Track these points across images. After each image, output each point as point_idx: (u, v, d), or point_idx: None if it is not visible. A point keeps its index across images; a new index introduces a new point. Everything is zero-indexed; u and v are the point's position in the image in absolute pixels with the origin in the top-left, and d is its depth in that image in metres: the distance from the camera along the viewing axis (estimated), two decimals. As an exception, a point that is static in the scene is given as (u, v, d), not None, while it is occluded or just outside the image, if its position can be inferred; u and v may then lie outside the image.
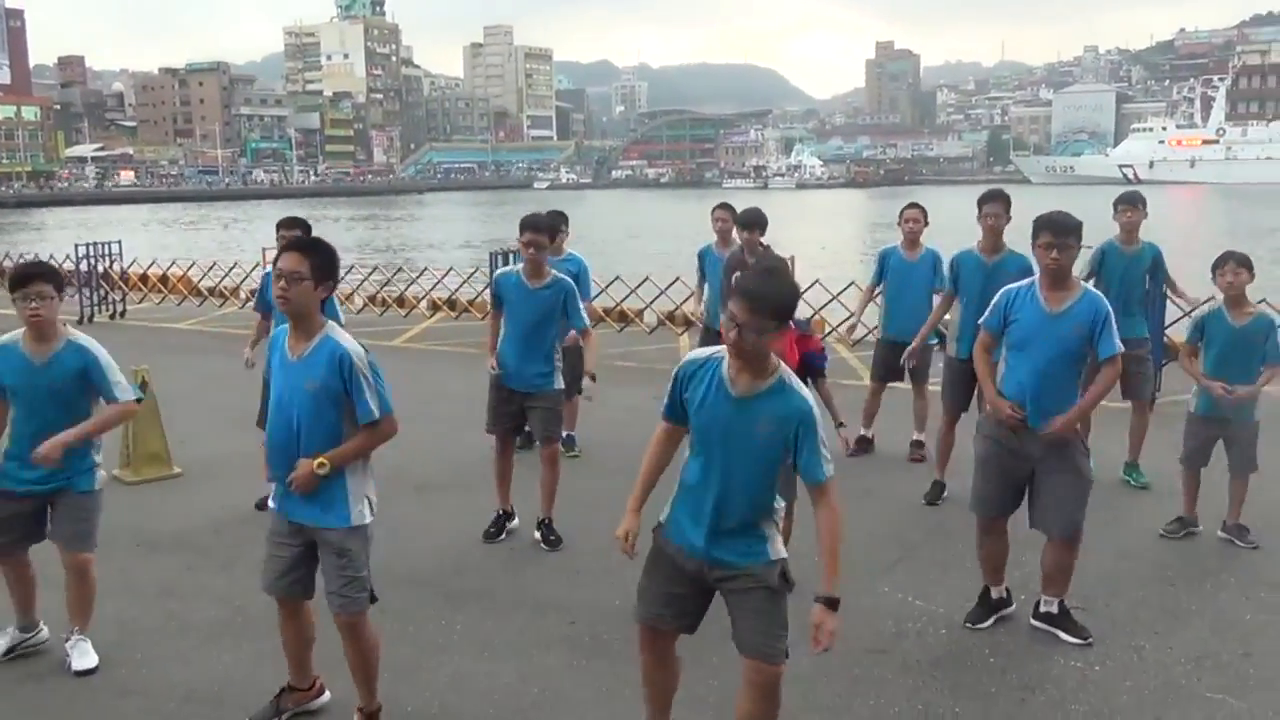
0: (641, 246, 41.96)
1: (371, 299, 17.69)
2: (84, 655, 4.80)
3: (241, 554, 6.12)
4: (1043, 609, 5.08)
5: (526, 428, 6.78)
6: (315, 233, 5.47)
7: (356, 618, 4.06)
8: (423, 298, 17.45)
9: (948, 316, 7.46)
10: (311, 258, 3.92)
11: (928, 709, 4.41)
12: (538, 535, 6.40)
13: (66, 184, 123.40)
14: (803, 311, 14.66)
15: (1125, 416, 7.56)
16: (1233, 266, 6.07)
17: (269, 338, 4.24)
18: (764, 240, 8.20)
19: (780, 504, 3.65)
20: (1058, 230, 4.82)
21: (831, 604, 3.47)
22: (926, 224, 8.03)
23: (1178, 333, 7.74)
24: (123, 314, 17.24)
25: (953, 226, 7.18)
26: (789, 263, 12.32)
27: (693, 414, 3.53)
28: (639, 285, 15.13)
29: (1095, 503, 5.09)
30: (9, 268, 4.67)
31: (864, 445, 8.32)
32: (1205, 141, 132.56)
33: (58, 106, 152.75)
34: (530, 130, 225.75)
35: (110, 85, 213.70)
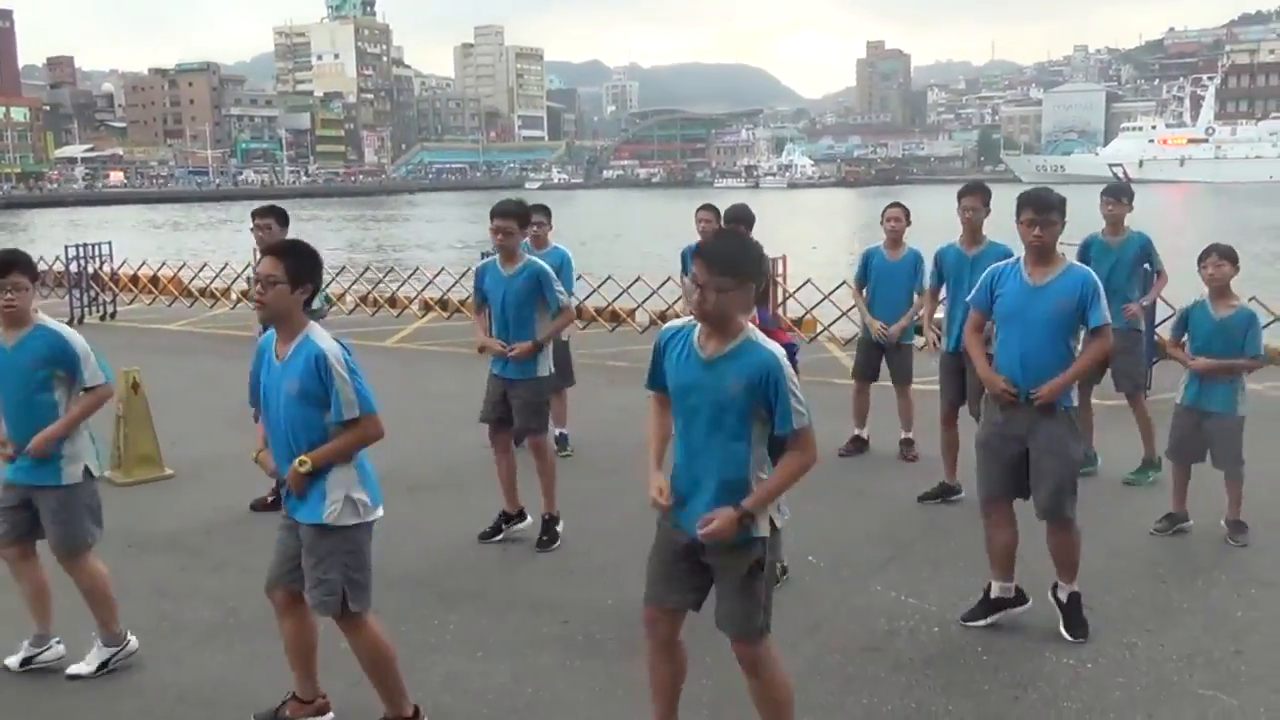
0: (633, 246, 41.94)
1: (363, 299, 17.67)
2: (83, 661, 4.77)
3: (234, 555, 6.12)
4: (1057, 593, 5.10)
5: None
6: (305, 233, 5.47)
7: (348, 617, 4.04)
8: (415, 298, 17.43)
9: (938, 315, 7.50)
10: (286, 261, 3.93)
11: (920, 707, 4.42)
12: (545, 538, 6.37)
13: (56, 185, 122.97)
14: (794, 311, 14.71)
15: (1122, 414, 7.57)
16: (1215, 259, 6.16)
17: (258, 340, 4.24)
18: (752, 239, 8.20)
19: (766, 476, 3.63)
20: (1039, 207, 4.88)
21: (738, 511, 3.46)
22: (909, 223, 8.05)
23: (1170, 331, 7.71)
24: (113, 315, 17.18)
25: (944, 225, 7.19)
26: (780, 262, 12.43)
27: (669, 380, 3.63)
28: (631, 285, 15.13)
29: (1087, 500, 5.12)
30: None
31: (858, 445, 8.33)
32: (1194, 140, 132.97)
33: (47, 107, 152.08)
34: (521, 130, 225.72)
35: (100, 86, 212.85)
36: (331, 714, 4.36)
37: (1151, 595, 5.52)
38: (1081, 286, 4.88)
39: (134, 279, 19.30)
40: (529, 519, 6.50)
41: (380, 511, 4.11)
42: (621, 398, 9.14)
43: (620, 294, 15.28)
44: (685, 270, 8.94)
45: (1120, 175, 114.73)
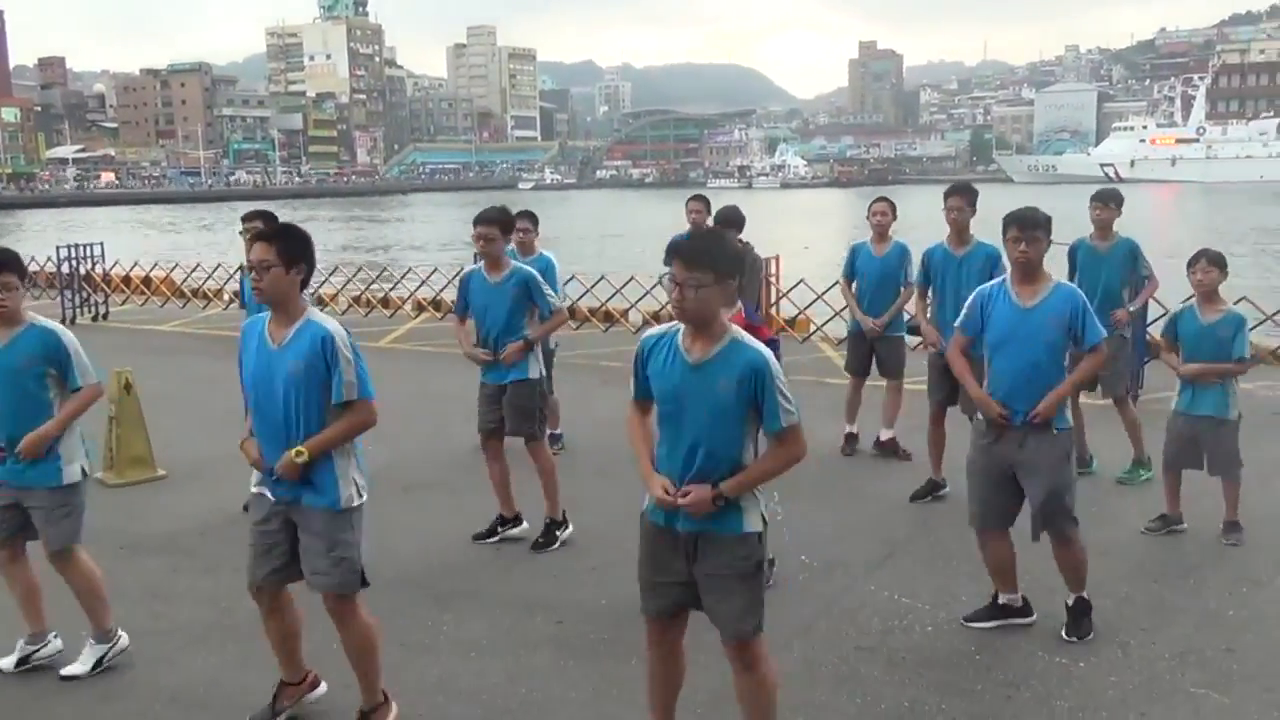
0: (626, 246, 41.95)
1: (356, 300, 17.65)
2: (80, 660, 4.77)
3: (227, 556, 6.10)
4: (1069, 602, 5.10)
5: None
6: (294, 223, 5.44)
7: (345, 602, 4.07)
8: (408, 299, 17.41)
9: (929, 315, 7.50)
10: (277, 243, 3.96)
11: (914, 706, 4.42)
12: (541, 540, 6.37)
13: (47, 186, 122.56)
14: (788, 311, 14.71)
15: (1112, 414, 7.60)
16: (1204, 265, 6.21)
17: (244, 323, 4.24)
18: (743, 239, 8.21)
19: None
20: (1025, 224, 4.89)
21: (714, 491, 3.48)
22: (895, 218, 8.07)
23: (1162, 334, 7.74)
24: (105, 316, 17.14)
25: (937, 225, 7.20)
26: (772, 263, 12.45)
27: (654, 386, 3.61)
28: (624, 285, 15.12)
29: (1080, 501, 5.12)
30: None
31: (852, 442, 8.34)
32: (1186, 140, 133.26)
33: (38, 108, 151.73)
34: (514, 130, 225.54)
35: (91, 86, 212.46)
36: (324, 684, 4.41)
37: (1144, 594, 5.54)
38: (1073, 304, 4.88)
39: (126, 280, 19.25)
40: (525, 524, 6.49)
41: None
42: (614, 398, 9.11)
43: (613, 294, 15.28)
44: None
45: (1112, 175, 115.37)
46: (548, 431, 8.40)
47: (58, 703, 4.57)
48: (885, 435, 8.18)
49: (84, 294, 17.22)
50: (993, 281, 5.22)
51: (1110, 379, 7.36)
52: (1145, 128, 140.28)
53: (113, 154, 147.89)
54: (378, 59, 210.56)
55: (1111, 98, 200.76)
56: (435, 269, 17.90)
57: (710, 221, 8.30)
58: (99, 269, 17.66)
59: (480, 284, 6.31)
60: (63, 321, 15.56)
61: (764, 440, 3.61)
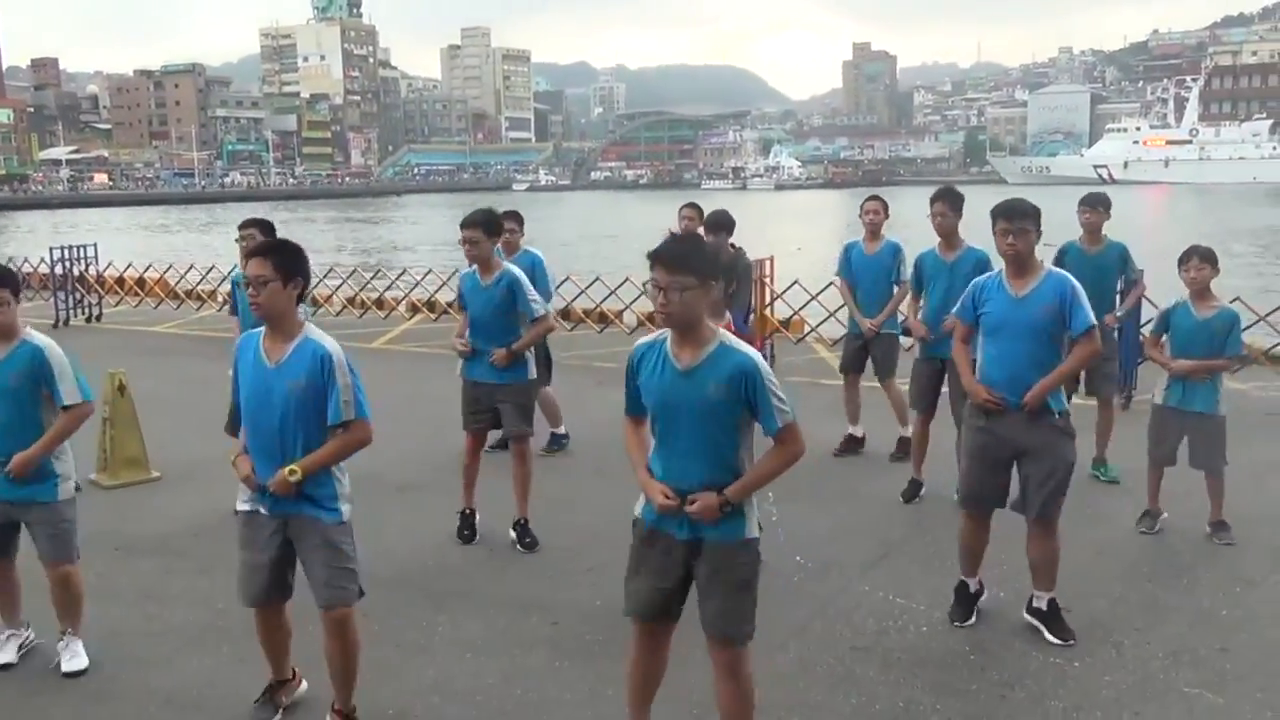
0: (621, 247, 41.93)
1: (350, 301, 17.62)
2: (74, 657, 4.79)
3: (221, 557, 6.07)
4: (1034, 604, 5.11)
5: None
6: (292, 235, 5.46)
7: (346, 611, 4.08)
8: (402, 300, 17.39)
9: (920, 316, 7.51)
10: (274, 258, 3.94)
11: (909, 706, 4.43)
12: (514, 536, 6.39)
13: (41, 187, 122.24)
14: (782, 312, 14.70)
15: (1090, 413, 7.63)
16: (1196, 262, 6.23)
17: (236, 342, 4.23)
18: (735, 244, 8.22)
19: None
20: (1012, 216, 4.92)
21: (720, 499, 3.49)
22: (887, 216, 8.09)
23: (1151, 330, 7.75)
24: (99, 317, 17.10)
25: (930, 226, 7.21)
26: (767, 264, 12.43)
27: (646, 395, 3.62)
28: (619, 286, 15.13)
29: (1074, 500, 5.13)
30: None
31: (851, 444, 8.33)
32: (1173, 142, 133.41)
33: (31, 109, 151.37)
34: (508, 132, 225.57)
35: (85, 87, 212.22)
36: (305, 682, 4.46)
37: (1138, 594, 5.55)
38: (1062, 292, 4.90)
39: (120, 281, 19.21)
40: (477, 514, 6.55)
41: None
42: (610, 399, 9.09)
43: (608, 295, 15.28)
44: None
45: (1105, 176, 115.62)
46: (551, 432, 8.46)
47: (51, 703, 4.56)
48: (904, 433, 8.13)
49: (77, 295, 17.17)
50: (988, 274, 5.27)
51: (1098, 379, 7.38)
52: (1139, 129, 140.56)
53: (106, 155, 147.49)
54: (372, 60, 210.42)
55: (1105, 99, 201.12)
56: (430, 270, 17.90)
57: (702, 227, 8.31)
58: (92, 270, 17.61)
59: (473, 286, 6.33)
60: (56, 323, 15.68)
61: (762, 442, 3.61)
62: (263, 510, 4.06)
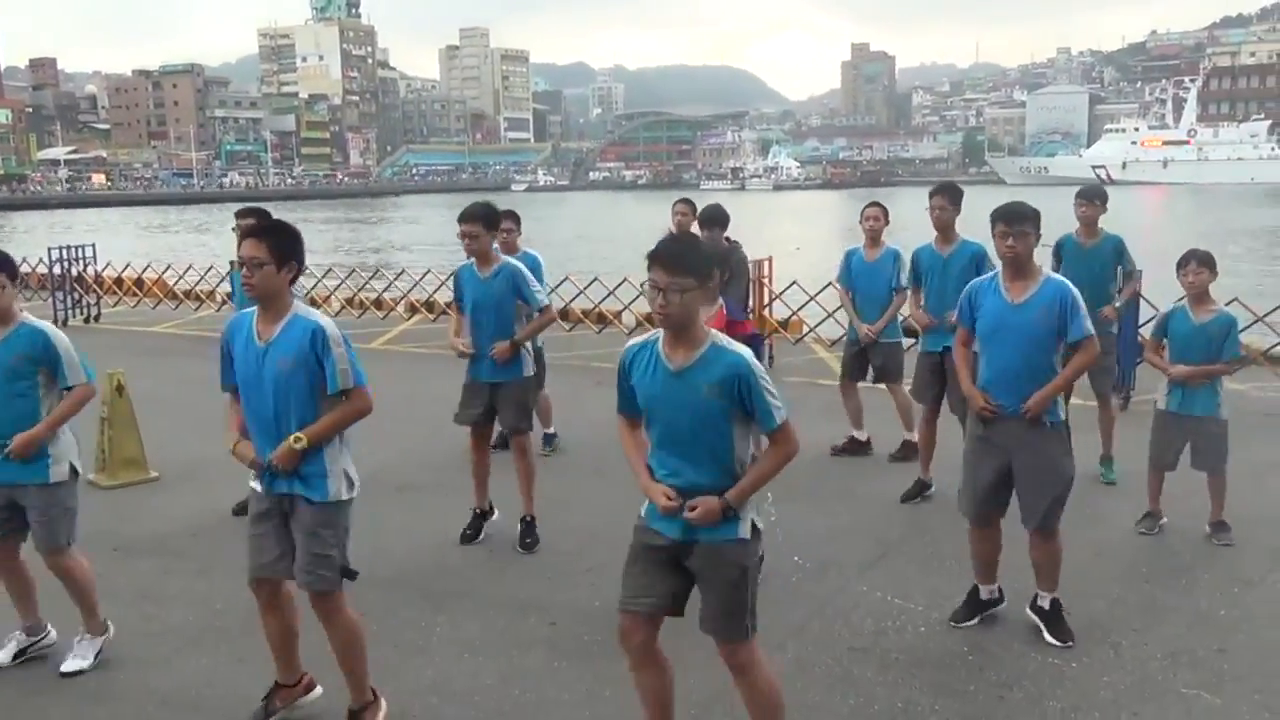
0: (620, 247, 41.94)
1: (349, 301, 17.62)
2: (74, 658, 4.79)
3: (219, 557, 6.09)
4: (1037, 602, 5.11)
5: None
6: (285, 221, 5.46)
7: (327, 599, 4.06)
8: (400, 300, 17.39)
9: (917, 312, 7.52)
10: (269, 240, 3.97)
11: (907, 706, 4.43)
12: (518, 531, 6.38)
13: (39, 187, 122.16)
14: (780, 313, 14.72)
15: (1094, 414, 7.64)
16: (1194, 266, 6.24)
17: (230, 319, 4.24)
18: (730, 237, 8.22)
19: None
20: (1012, 219, 4.90)
21: (721, 503, 3.50)
22: (887, 222, 8.09)
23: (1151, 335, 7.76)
24: (97, 318, 17.10)
25: (930, 227, 7.22)
26: (765, 264, 12.44)
27: (639, 396, 3.62)
28: (617, 286, 15.13)
29: (1073, 501, 5.12)
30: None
31: (854, 446, 8.31)
32: (1172, 143, 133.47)
33: (29, 109, 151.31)
34: (507, 132, 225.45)
35: (83, 87, 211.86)
36: (320, 688, 4.40)
37: (1136, 595, 5.55)
38: (1060, 300, 4.88)
39: (118, 281, 19.21)
40: (497, 513, 6.55)
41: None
42: (608, 399, 9.08)
43: (607, 296, 15.29)
44: None
45: (1104, 177, 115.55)
46: (544, 432, 8.46)
47: (50, 702, 4.56)
48: (909, 437, 8.14)
49: (75, 295, 17.18)
50: (985, 276, 5.25)
51: (1096, 375, 7.38)
52: (1137, 130, 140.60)
53: (105, 155, 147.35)
54: (370, 60, 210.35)
55: (1103, 100, 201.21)
56: (429, 270, 17.90)
57: (696, 222, 8.32)
58: (90, 270, 17.61)
59: (471, 279, 6.33)
60: (55, 323, 15.62)
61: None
62: (259, 489, 4.09)
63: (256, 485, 4.12)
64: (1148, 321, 10.33)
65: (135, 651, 4.97)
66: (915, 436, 7.94)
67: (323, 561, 4.02)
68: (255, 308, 4.06)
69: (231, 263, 7.22)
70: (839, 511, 6.96)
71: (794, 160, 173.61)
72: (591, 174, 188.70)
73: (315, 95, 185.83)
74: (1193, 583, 5.70)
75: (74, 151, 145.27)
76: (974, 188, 7.84)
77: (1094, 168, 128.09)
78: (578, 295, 15.35)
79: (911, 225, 9.42)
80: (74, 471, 4.76)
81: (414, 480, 7.76)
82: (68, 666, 4.76)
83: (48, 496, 4.67)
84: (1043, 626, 5.03)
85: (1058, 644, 4.93)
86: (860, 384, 8.35)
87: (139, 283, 19.38)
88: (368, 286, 18.20)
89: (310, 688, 4.40)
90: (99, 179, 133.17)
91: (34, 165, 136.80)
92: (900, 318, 8.14)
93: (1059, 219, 7.71)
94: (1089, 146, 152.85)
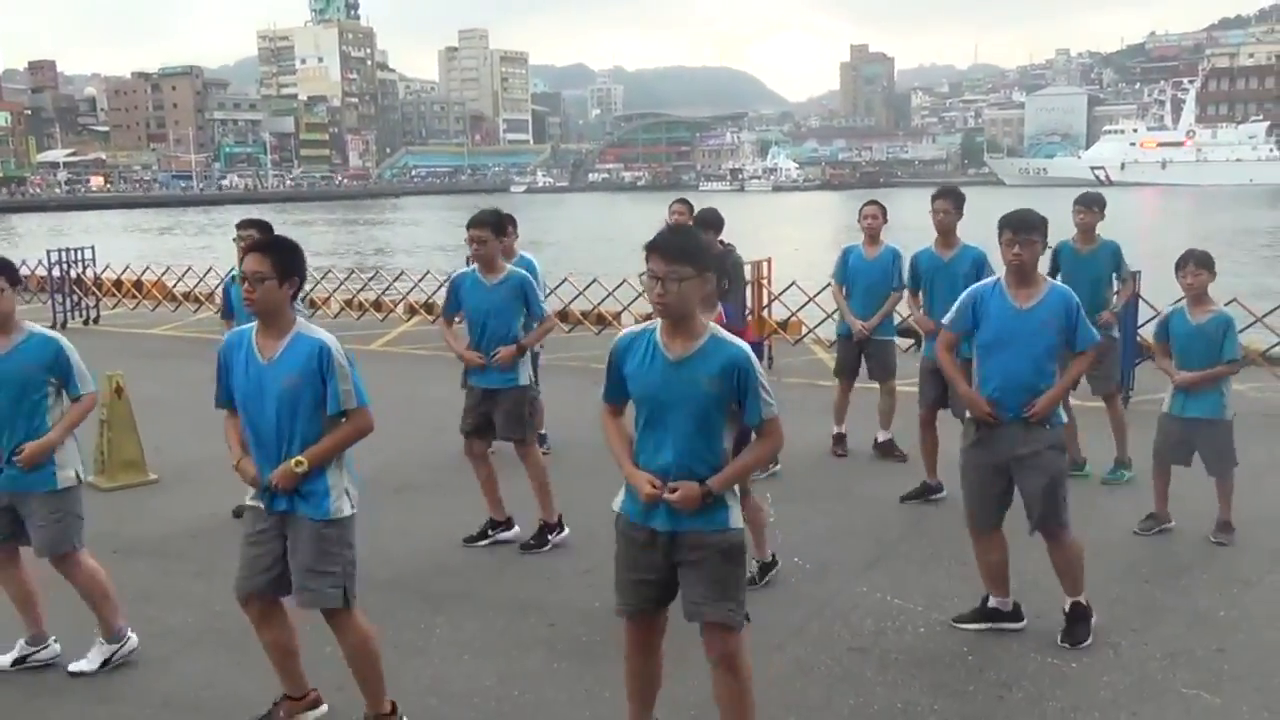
0: (619, 248, 41.97)
1: (348, 303, 17.63)
2: (86, 657, 4.80)
3: (219, 560, 6.09)
4: (1065, 607, 5.09)
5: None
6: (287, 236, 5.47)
7: (338, 613, 4.05)
8: (400, 302, 17.40)
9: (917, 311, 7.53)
10: (272, 256, 3.96)
11: (907, 706, 4.43)
12: (532, 541, 6.38)
13: (38, 190, 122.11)
14: (779, 313, 14.71)
15: (1099, 415, 7.64)
16: (1192, 267, 6.25)
17: (228, 335, 4.24)
18: (726, 241, 8.23)
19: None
20: (1019, 227, 4.90)
21: (703, 489, 3.51)
22: (885, 221, 8.11)
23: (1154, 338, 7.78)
24: (96, 320, 17.11)
25: (929, 228, 7.23)
26: (764, 266, 12.45)
27: (633, 385, 3.62)
28: (617, 288, 15.14)
29: (1073, 500, 5.12)
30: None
31: (839, 442, 8.33)
32: (1170, 144, 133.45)
33: (28, 111, 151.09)
34: (506, 134, 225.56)
35: (82, 90, 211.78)
36: (325, 705, 4.37)
37: (1135, 595, 5.56)
38: (1066, 308, 4.91)
39: (117, 284, 19.22)
40: (517, 528, 6.49)
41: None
42: (607, 400, 9.12)
43: (605, 297, 15.29)
44: None
45: (1103, 178, 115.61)
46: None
47: (52, 704, 4.57)
48: (882, 437, 8.20)
49: (75, 298, 17.19)
50: (986, 281, 5.22)
51: (1099, 378, 7.41)
52: (1135, 131, 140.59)
53: (104, 157, 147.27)
54: (369, 62, 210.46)
55: (1102, 101, 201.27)
56: (428, 272, 17.91)
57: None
58: (90, 273, 17.62)
59: (474, 286, 6.32)
60: (53, 325, 15.64)
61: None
62: (261, 506, 4.06)
63: (254, 502, 4.10)
64: (1146, 323, 10.35)
65: (135, 653, 4.97)
66: (890, 436, 8.06)
67: (323, 578, 3.99)
68: (253, 324, 4.04)
69: (231, 274, 7.22)
70: (838, 512, 6.97)
71: (793, 161, 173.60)
72: (591, 175, 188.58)
73: (314, 97, 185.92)
74: (1192, 583, 5.71)
75: (73, 154, 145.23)
76: (973, 189, 7.86)
77: (1093, 169, 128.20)
78: (576, 296, 15.36)
79: (911, 226, 9.43)
80: (78, 477, 4.77)
81: (412, 481, 7.77)
82: (73, 667, 4.78)
83: (55, 503, 4.68)
84: (1065, 626, 5.01)
85: (1059, 643, 4.93)
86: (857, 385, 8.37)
87: (138, 285, 19.40)
88: (367, 288, 18.20)
89: (316, 704, 4.35)
90: (98, 181, 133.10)
91: (33, 168, 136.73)
92: (897, 319, 8.14)
93: (1057, 223, 7.70)
94: (1088, 148, 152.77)
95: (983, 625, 5.15)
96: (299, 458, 3.92)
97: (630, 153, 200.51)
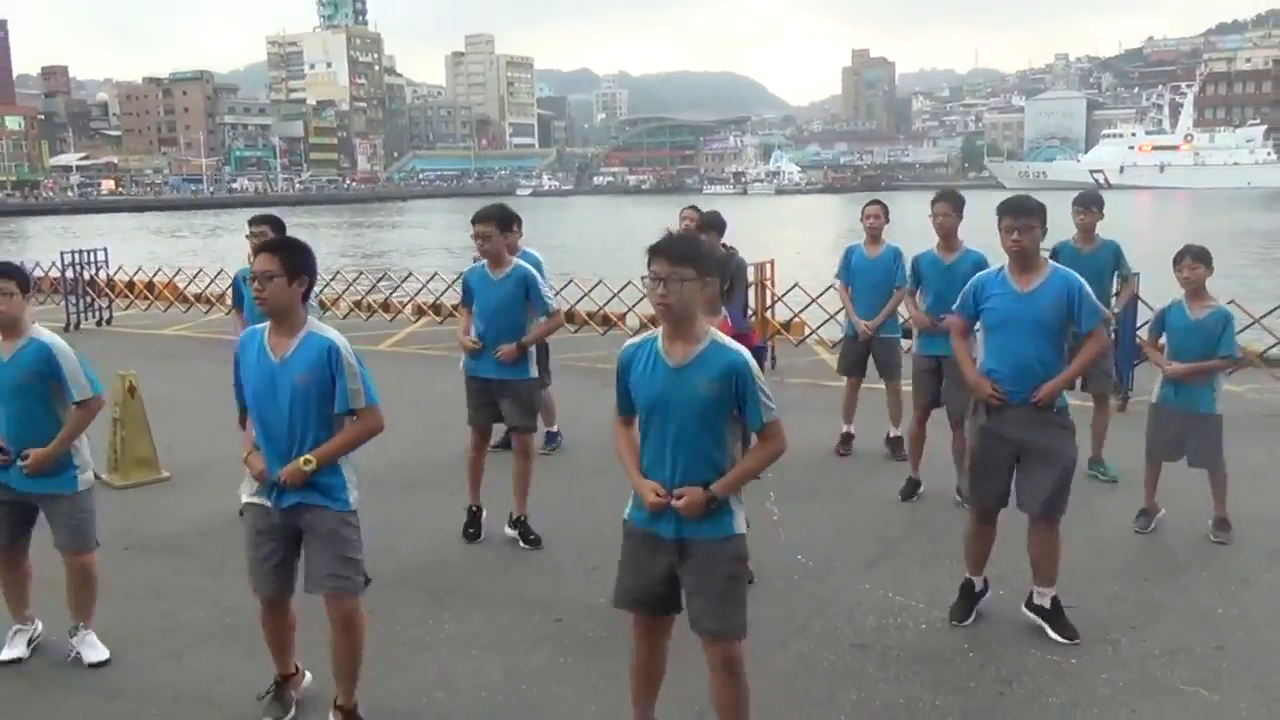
0: (624, 250, 42.00)
1: (357, 304, 17.70)
2: (94, 648, 4.89)
3: (230, 557, 6.13)
4: (1035, 601, 5.15)
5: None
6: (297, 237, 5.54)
7: (352, 602, 4.13)
8: (408, 303, 17.46)
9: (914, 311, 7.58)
10: (281, 254, 4.02)
11: (909, 703, 4.48)
12: (511, 533, 6.46)
13: (51, 193, 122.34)
14: (782, 315, 14.72)
15: (1087, 415, 7.68)
16: (1189, 261, 6.30)
17: (239, 336, 4.31)
18: (728, 244, 8.30)
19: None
20: (1017, 213, 4.96)
21: (707, 494, 3.56)
22: (887, 220, 8.16)
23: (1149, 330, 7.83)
24: (109, 321, 17.19)
25: (930, 230, 7.27)
26: (768, 267, 12.49)
27: (637, 393, 3.67)
28: (622, 289, 15.18)
29: (1071, 499, 5.17)
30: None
31: (845, 441, 8.39)
32: (1168, 148, 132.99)
33: (42, 116, 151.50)
34: (512, 138, 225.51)
35: (94, 95, 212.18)
36: (309, 673, 4.51)
37: (1134, 593, 5.60)
38: (1069, 289, 4.95)
39: (130, 285, 19.32)
40: (485, 512, 6.62)
41: None
42: (612, 400, 9.17)
43: (611, 298, 15.34)
44: None
45: (1102, 181, 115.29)
46: (546, 430, 8.52)
47: (61, 699, 4.62)
48: (894, 433, 8.27)
49: (88, 299, 17.29)
50: (991, 268, 5.28)
51: (1093, 377, 7.43)
52: (1134, 135, 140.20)
53: (116, 161, 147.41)
54: (377, 67, 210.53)
55: (1101, 105, 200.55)
56: (435, 273, 17.98)
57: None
58: (102, 274, 17.74)
59: (482, 280, 6.39)
60: (66, 326, 15.76)
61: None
62: (269, 504, 4.11)
63: (255, 499, 4.14)
64: (1145, 324, 10.39)
65: (147, 648, 5.05)
66: (900, 432, 8.10)
67: (350, 564, 4.10)
68: (266, 323, 4.10)
69: (238, 279, 7.29)
70: (840, 511, 7.02)
71: (795, 165, 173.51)
72: (595, 179, 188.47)
73: (323, 102, 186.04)
74: (1191, 581, 5.75)
75: (85, 158, 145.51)
76: (973, 192, 7.90)
77: (1092, 172, 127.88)
78: (582, 298, 15.40)
79: (912, 229, 9.46)
80: (95, 476, 4.91)
81: (419, 479, 7.83)
82: (94, 657, 4.86)
83: (78, 503, 4.81)
84: (1046, 625, 5.06)
85: (1064, 641, 4.97)
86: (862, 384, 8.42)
87: (150, 286, 19.49)
88: (375, 289, 18.28)
89: (302, 674, 4.51)
90: (110, 185, 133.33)
91: (46, 171, 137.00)
92: (900, 318, 8.19)
93: (1057, 224, 7.75)
94: (1087, 151, 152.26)
95: (973, 614, 5.22)
96: (308, 456, 3.98)
97: (635, 156, 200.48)
